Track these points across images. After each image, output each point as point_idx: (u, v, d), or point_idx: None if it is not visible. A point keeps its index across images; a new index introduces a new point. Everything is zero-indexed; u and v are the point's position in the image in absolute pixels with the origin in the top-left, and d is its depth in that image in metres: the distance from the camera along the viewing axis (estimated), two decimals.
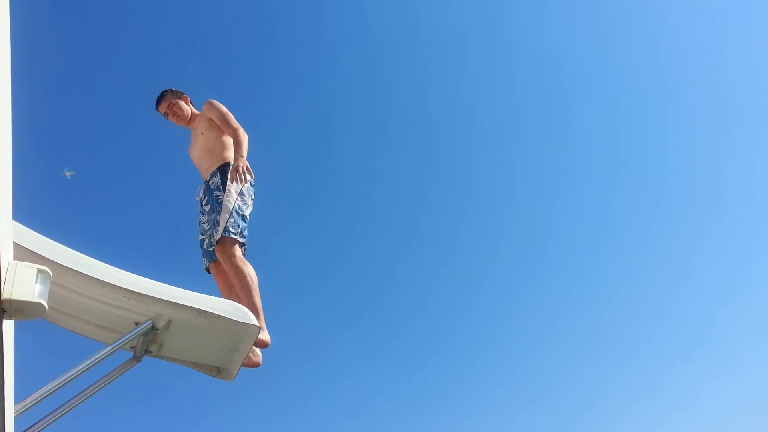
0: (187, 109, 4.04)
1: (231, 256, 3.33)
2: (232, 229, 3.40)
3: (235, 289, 3.28)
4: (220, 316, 2.51)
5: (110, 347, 2.32)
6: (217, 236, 3.38)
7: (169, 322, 2.48)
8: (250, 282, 3.26)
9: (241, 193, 3.57)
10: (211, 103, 3.91)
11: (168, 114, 4.02)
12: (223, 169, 3.66)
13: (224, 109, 3.85)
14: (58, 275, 2.25)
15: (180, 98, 4.04)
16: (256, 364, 3.19)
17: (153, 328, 2.46)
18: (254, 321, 2.65)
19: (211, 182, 3.66)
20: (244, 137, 3.67)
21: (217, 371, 2.87)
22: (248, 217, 3.59)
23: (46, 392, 2.09)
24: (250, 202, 3.65)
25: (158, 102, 4.04)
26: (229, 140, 3.81)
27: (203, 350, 2.76)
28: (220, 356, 2.79)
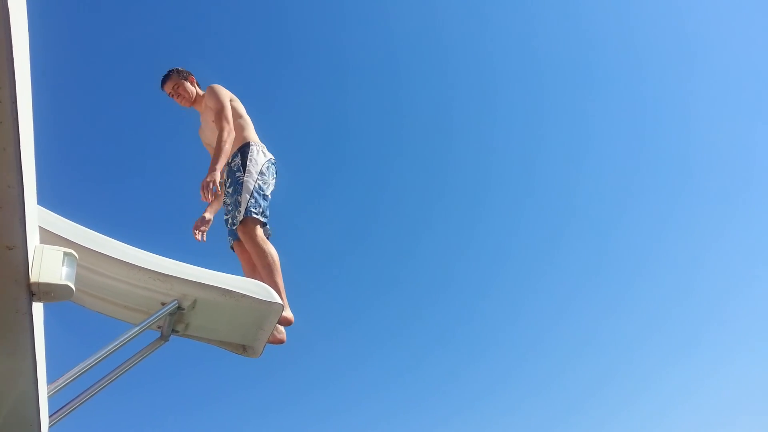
0: (192, 90, 3.98)
1: (253, 237, 3.36)
2: (253, 210, 3.42)
3: (258, 268, 3.32)
4: (245, 295, 2.54)
5: (138, 328, 2.36)
6: (240, 217, 3.41)
7: (195, 301, 2.51)
8: (272, 261, 3.29)
9: (261, 173, 3.58)
10: (211, 90, 3.84)
11: (173, 95, 3.99)
12: (243, 150, 3.67)
13: (221, 99, 3.75)
14: (84, 258, 2.29)
15: (186, 79, 3.99)
16: (281, 341, 3.23)
17: (179, 308, 2.49)
18: (278, 299, 2.67)
19: (233, 164, 3.67)
20: (225, 142, 3.55)
21: (243, 349, 2.91)
22: (269, 196, 3.59)
23: (77, 372, 2.13)
24: (271, 181, 3.65)
25: (164, 81, 4.01)
26: (244, 121, 3.81)
27: (228, 329, 2.79)
28: (245, 334, 2.82)
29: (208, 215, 3.78)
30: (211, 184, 3.38)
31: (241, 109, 3.88)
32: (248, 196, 3.44)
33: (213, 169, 3.44)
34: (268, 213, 3.52)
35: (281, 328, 3.22)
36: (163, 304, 2.46)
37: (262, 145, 3.80)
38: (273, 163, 3.75)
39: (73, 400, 2.27)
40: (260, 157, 3.67)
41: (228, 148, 3.56)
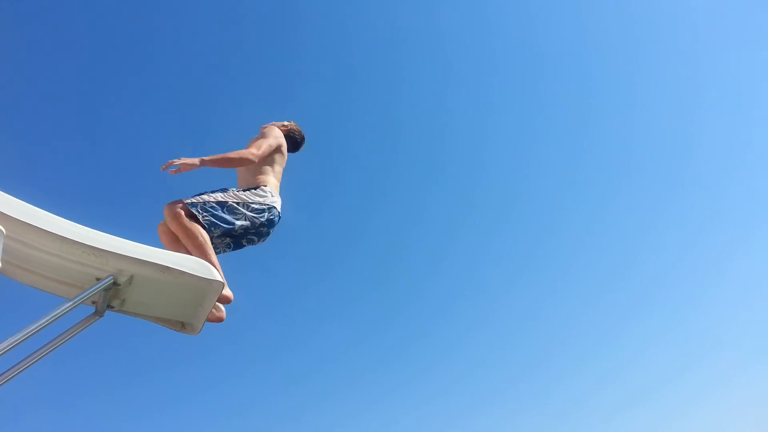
0: None
1: (177, 217, 3.16)
2: (200, 208, 3.21)
3: (189, 250, 3.15)
4: (183, 272, 2.51)
5: (71, 303, 2.31)
6: (183, 199, 3.22)
7: (132, 277, 2.47)
8: (203, 241, 3.14)
9: (246, 204, 3.38)
10: (264, 129, 3.84)
11: None
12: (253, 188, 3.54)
13: (269, 134, 3.75)
14: (15, 230, 2.23)
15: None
16: (219, 319, 3.19)
17: (115, 283, 2.45)
18: (218, 276, 2.66)
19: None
20: (237, 157, 3.42)
21: (182, 326, 2.88)
22: (231, 221, 3.31)
23: (5, 347, 2.07)
24: (249, 215, 3.39)
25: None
26: (273, 169, 3.72)
27: (167, 305, 2.76)
28: (184, 311, 2.79)
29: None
30: (179, 163, 3.14)
31: (280, 157, 3.76)
32: (209, 199, 3.26)
33: (201, 159, 3.25)
34: (212, 224, 3.23)
35: (220, 305, 3.20)
36: (98, 279, 2.42)
37: (277, 196, 3.62)
38: (269, 209, 3.49)
39: (1, 375, 2.22)
40: (265, 197, 3.50)
41: (233, 159, 3.38)
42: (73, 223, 2.37)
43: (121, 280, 2.45)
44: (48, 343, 2.37)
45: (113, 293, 2.53)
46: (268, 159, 3.69)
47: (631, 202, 18.97)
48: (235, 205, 3.34)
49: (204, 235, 3.18)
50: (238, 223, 3.33)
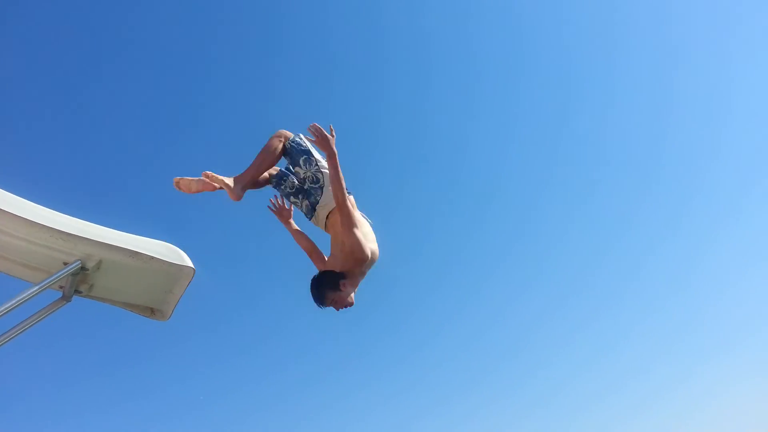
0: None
1: (275, 135, 3.57)
2: (306, 138, 3.55)
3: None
4: (153, 258, 2.49)
5: (37, 287, 2.27)
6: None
7: (100, 262, 2.44)
8: (266, 157, 3.49)
9: (318, 161, 3.60)
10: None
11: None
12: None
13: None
14: None
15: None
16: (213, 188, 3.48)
17: (83, 268, 2.42)
18: (189, 263, 2.63)
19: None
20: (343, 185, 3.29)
21: (151, 312, 2.86)
22: (297, 160, 3.58)
23: None
24: (313, 165, 3.58)
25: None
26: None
27: (136, 291, 2.73)
28: (153, 297, 2.77)
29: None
30: (327, 132, 3.26)
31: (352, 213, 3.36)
32: (309, 145, 3.57)
33: (334, 153, 3.25)
34: (289, 150, 3.56)
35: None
36: (65, 263, 2.38)
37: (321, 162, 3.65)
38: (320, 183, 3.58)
39: None
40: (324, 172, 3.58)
41: (339, 180, 3.23)
42: (40, 206, 2.34)
43: (90, 264, 2.42)
44: (13, 328, 2.33)
45: (81, 278, 2.50)
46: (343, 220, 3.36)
47: (604, 201, 19.24)
48: (316, 161, 3.60)
49: (272, 155, 3.52)
50: (301, 172, 3.62)
